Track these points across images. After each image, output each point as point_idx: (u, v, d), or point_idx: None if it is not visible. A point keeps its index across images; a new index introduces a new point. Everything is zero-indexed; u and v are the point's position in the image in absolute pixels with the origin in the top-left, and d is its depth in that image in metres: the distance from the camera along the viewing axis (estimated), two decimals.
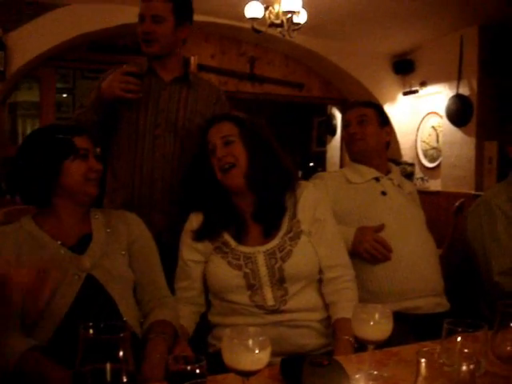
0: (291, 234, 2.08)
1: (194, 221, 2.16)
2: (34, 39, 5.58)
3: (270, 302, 2.00)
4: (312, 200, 2.16)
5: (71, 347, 1.11)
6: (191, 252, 2.13)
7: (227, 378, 1.44)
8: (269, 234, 2.09)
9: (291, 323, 2.01)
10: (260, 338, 1.22)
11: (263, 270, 2.02)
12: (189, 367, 1.10)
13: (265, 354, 1.22)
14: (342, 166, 7.81)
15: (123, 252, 1.97)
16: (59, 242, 1.86)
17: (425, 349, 1.19)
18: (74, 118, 2.56)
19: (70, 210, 1.92)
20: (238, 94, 6.60)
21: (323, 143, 9.02)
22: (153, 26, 2.49)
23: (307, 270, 2.07)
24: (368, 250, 2.42)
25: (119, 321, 1.76)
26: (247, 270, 2.02)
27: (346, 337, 1.90)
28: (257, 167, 2.08)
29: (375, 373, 1.53)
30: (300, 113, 9.51)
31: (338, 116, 8.11)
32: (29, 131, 8.12)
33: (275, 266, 2.02)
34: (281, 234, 2.08)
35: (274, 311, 2.00)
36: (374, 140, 2.68)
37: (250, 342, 1.21)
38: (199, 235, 2.11)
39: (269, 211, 2.10)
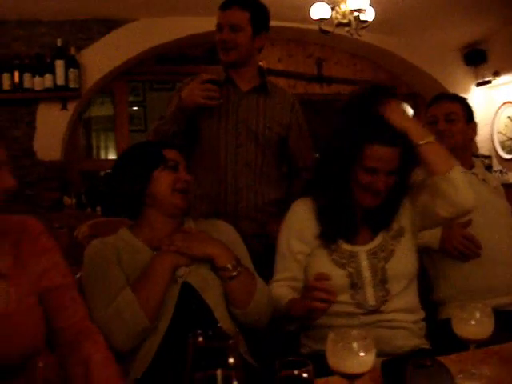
0: (393, 232, 2.05)
1: (302, 209, 2.10)
2: (105, 55, 5.75)
3: (371, 301, 1.97)
4: None
5: (177, 355, 1.12)
6: (301, 244, 2.06)
7: (329, 381, 1.44)
8: (377, 232, 2.05)
9: (388, 324, 1.97)
10: (365, 342, 1.22)
11: (366, 270, 1.99)
12: (296, 371, 1.11)
13: (370, 356, 1.22)
14: None
15: None
16: (154, 251, 1.91)
17: None
18: (154, 128, 2.61)
19: (162, 221, 1.97)
20: (306, 95, 6.57)
21: None
22: (231, 34, 2.53)
23: (408, 270, 2.04)
24: (457, 247, 2.37)
25: (215, 327, 1.78)
26: (351, 270, 1.99)
27: None
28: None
29: (478, 372, 1.51)
30: None
31: (409, 111, 7.98)
32: (103, 145, 8.34)
33: (378, 266, 1.99)
34: (382, 232, 2.05)
35: (373, 311, 1.97)
36: (461, 137, 2.63)
37: (355, 344, 1.22)
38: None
39: (383, 210, 2.02)
